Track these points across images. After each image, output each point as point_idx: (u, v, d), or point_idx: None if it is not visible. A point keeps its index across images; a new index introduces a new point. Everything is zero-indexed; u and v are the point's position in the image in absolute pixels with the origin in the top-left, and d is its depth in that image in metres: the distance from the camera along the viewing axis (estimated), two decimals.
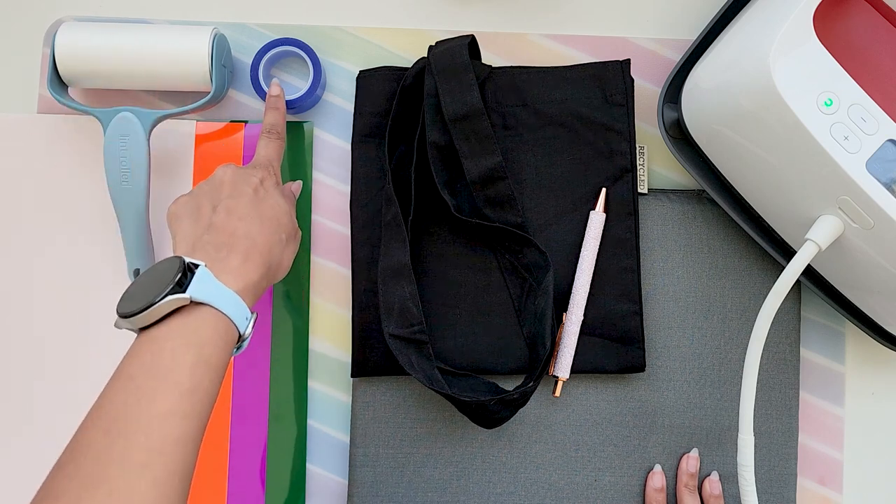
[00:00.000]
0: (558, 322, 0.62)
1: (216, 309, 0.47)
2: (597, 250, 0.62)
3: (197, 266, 0.47)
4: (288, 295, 0.65)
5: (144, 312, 0.45)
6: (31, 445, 0.64)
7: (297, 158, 0.65)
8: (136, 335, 0.46)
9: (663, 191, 0.65)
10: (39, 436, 0.64)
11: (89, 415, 0.43)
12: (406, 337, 0.59)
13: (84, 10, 0.67)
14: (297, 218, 0.60)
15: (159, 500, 0.40)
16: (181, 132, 0.65)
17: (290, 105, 0.64)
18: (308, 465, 0.64)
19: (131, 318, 0.45)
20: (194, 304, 0.46)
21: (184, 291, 0.46)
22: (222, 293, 0.47)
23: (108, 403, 0.43)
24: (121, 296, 0.47)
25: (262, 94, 0.64)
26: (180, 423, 0.43)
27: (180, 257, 0.48)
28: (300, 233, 0.59)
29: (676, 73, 0.62)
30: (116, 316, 0.47)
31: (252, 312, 0.50)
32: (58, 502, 0.39)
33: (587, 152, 0.63)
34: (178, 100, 0.66)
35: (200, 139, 0.65)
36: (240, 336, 0.49)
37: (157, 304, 0.45)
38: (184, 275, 0.46)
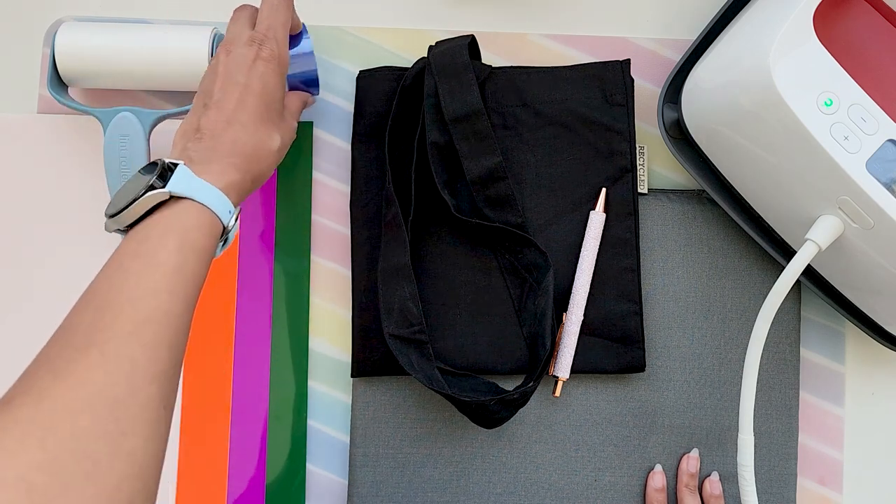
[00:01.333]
0: (558, 322, 0.62)
1: (198, 202, 0.48)
2: (597, 250, 0.62)
3: (176, 165, 0.48)
4: (288, 295, 0.65)
5: (127, 209, 0.47)
6: None
7: (297, 158, 0.65)
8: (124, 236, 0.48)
9: (663, 191, 0.65)
10: None
11: (79, 299, 0.44)
12: (406, 337, 0.59)
13: (84, 10, 0.67)
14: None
15: (150, 362, 0.41)
16: None
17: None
18: (308, 465, 0.64)
19: (116, 217, 0.47)
20: (176, 198, 0.47)
21: (164, 187, 0.47)
22: (203, 187, 0.48)
23: (96, 285, 0.44)
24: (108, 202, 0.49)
25: None
26: (167, 298, 0.44)
27: (160, 159, 0.49)
28: (294, 132, 0.57)
29: (676, 73, 0.62)
30: (105, 219, 0.49)
31: (236, 207, 0.51)
32: (51, 364, 0.40)
33: (587, 152, 0.63)
34: (178, 100, 0.66)
35: None
36: (224, 229, 0.50)
37: (138, 200, 0.46)
38: (163, 174, 0.47)
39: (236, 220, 0.51)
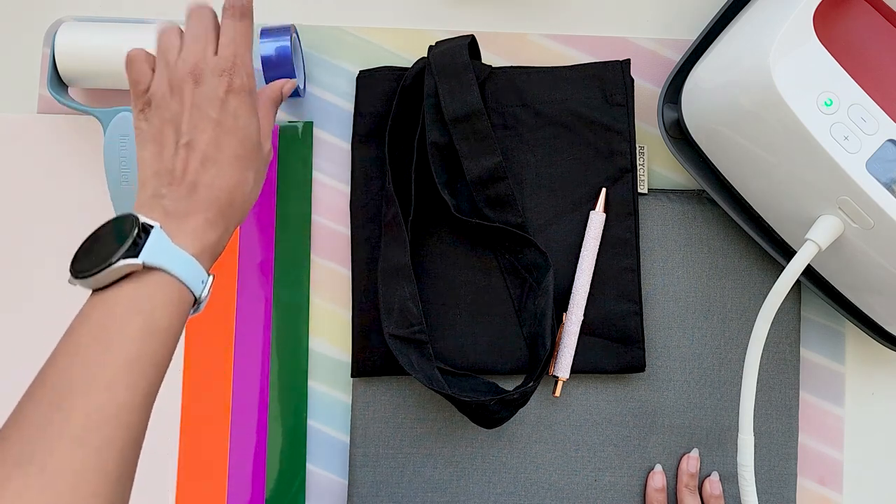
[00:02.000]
0: (558, 322, 0.62)
1: (170, 274, 0.45)
2: (597, 250, 0.62)
3: (152, 227, 0.45)
4: (288, 295, 0.65)
5: (97, 275, 0.44)
6: None
7: (297, 158, 0.65)
8: (88, 293, 0.46)
9: (663, 191, 0.65)
10: None
11: (32, 383, 0.42)
12: (406, 337, 0.59)
13: (84, 10, 0.67)
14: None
15: (97, 473, 0.39)
16: None
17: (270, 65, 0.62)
18: (308, 465, 0.64)
19: (83, 279, 0.44)
20: (147, 268, 0.45)
21: (136, 256, 0.44)
22: (177, 257, 0.46)
23: (51, 371, 0.42)
24: (75, 251, 0.46)
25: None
26: (124, 392, 0.41)
27: (135, 217, 0.45)
28: (271, 151, 0.53)
29: (676, 73, 0.62)
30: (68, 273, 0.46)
31: (209, 274, 0.48)
32: None
33: (587, 152, 0.63)
34: None
35: None
36: (196, 300, 0.47)
37: (109, 268, 0.43)
38: (138, 235, 0.45)
39: (209, 289, 0.48)
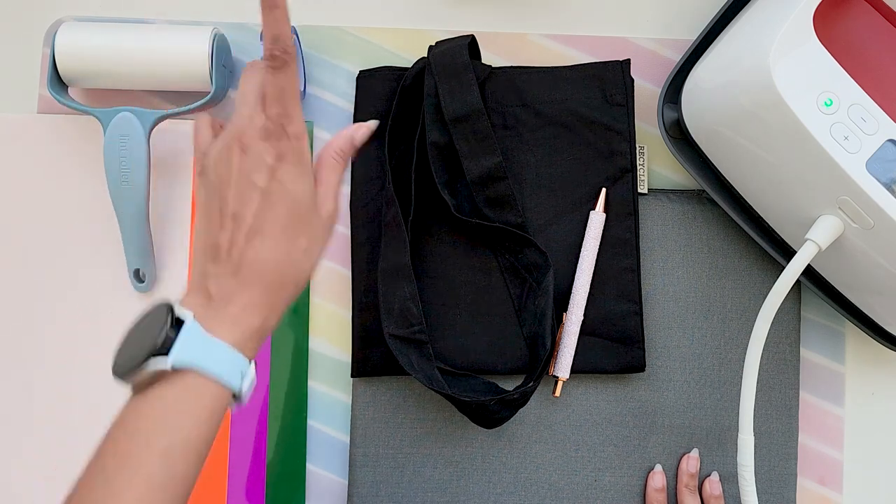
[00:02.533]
0: (558, 322, 0.62)
1: (203, 374, 0.42)
2: (597, 250, 0.62)
3: (184, 320, 0.43)
4: None
5: (128, 378, 0.42)
6: (31, 440, 0.63)
7: None
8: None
9: (663, 191, 0.65)
10: (39, 430, 0.63)
11: (69, 491, 0.41)
12: (406, 337, 0.59)
13: (84, 10, 0.67)
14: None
15: None
16: (181, 132, 0.65)
17: None
18: (308, 465, 0.64)
19: (118, 380, 0.43)
20: (177, 369, 0.42)
21: (167, 353, 0.41)
22: (212, 351, 0.42)
23: (80, 485, 0.41)
24: (117, 344, 0.44)
25: None
26: None
27: (170, 307, 0.43)
28: (335, 213, 0.48)
29: (676, 73, 0.62)
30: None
31: (250, 362, 0.44)
32: None
33: (587, 152, 0.63)
34: (178, 100, 0.66)
35: None
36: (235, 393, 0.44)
37: (138, 371, 0.42)
38: (170, 329, 0.42)
39: (252, 382, 0.44)
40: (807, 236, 0.55)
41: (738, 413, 0.63)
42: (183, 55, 0.62)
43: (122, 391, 0.43)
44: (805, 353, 0.65)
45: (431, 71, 0.61)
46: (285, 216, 0.45)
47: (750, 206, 0.61)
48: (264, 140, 0.45)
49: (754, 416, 0.63)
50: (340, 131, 0.50)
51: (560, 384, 0.62)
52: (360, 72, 0.65)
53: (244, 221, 0.45)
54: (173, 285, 0.65)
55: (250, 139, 0.45)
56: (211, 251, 0.45)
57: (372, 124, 0.51)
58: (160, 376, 0.42)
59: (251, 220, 0.45)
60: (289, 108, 0.46)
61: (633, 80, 0.64)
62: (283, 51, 0.46)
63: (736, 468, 0.61)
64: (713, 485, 0.62)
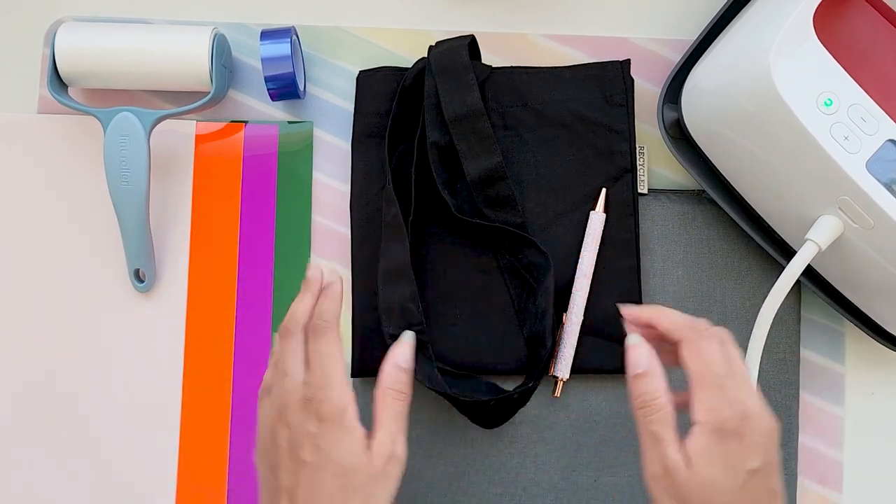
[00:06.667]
0: (558, 322, 0.62)
1: None
2: (597, 250, 0.62)
3: None
4: (288, 294, 0.64)
5: None
6: (31, 440, 0.63)
7: (297, 158, 0.65)
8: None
9: (663, 191, 0.65)
10: (39, 430, 0.63)
11: None
12: None
13: (84, 10, 0.67)
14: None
15: None
16: (181, 132, 0.65)
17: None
18: None
19: None
20: None
21: None
22: None
23: None
24: None
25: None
26: None
27: None
28: (392, 459, 0.48)
29: (676, 73, 0.62)
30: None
31: None
32: None
33: (587, 152, 0.63)
34: (178, 100, 0.66)
35: (200, 139, 0.66)
36: None
37: None
38: None
39: None
40: (807, 236, 0.55)
41: None
42: (183, 55, 0.62)
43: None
44: (805, 353, 0.65)
45: (431, 71, 0.61)
46: (333, 486, 0.47)
47: (750, 206, 0.61)
48: (304, 409, 0.47)
49: None
50: (382, 365, 0.52)
51: (560, 384, 0.62)
52: (360, 72, 0.65)
53: (299, 499, 0.47)
54: (173, 285, 0.65)
55: (293, 413, 0.48)
56: None
57: (407, 337, 0.54)
58: None
59: (305, 497, 0.47)
60: (327, 370, 0.48)
61: (633, 81, 0.64)
62: (325, 320, 0.49)
63: None
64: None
